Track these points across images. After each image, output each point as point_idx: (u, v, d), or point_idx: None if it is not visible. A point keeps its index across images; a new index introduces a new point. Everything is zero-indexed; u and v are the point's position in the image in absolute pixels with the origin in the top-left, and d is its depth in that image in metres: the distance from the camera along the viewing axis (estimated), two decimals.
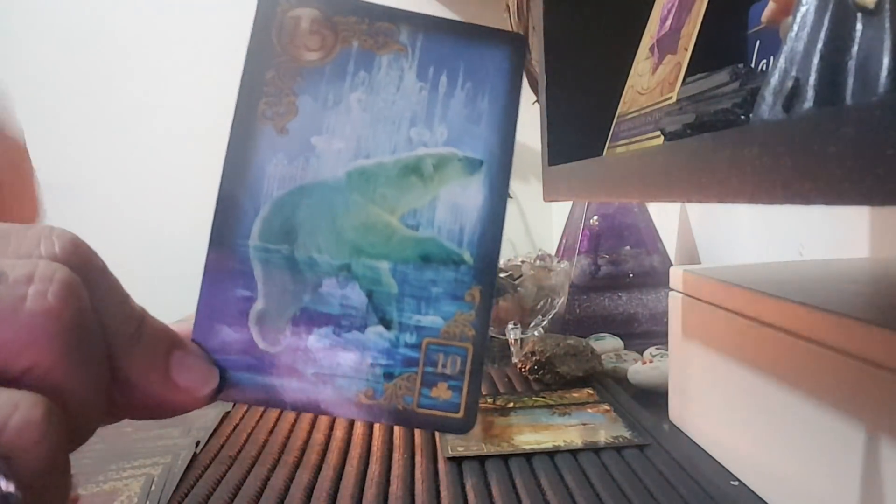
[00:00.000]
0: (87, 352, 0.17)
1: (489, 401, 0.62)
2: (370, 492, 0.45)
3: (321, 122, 0.21)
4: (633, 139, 0.49)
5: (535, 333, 0.78)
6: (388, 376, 0.20)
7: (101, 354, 0.17)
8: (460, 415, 0.20)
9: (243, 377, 0.20)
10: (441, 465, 0.48)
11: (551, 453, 0.50)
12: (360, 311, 0.21)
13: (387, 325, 0.21)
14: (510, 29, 1.04)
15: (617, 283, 0.89)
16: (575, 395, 0.63)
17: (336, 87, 0.21)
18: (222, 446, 0.54)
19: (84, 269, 0.17)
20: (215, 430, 0.58)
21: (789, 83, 0.22)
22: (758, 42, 0.42)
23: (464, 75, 0.21)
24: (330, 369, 0.20)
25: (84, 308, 0.17)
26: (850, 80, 0.20)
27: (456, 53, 0.21)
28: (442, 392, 0.20)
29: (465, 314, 0.21)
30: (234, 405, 0.62)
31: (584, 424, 0.55)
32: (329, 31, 0.21)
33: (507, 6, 1.03)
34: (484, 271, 0.21)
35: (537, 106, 0.66)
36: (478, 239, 0.21)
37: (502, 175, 0.21)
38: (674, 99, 0.42)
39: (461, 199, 0.21)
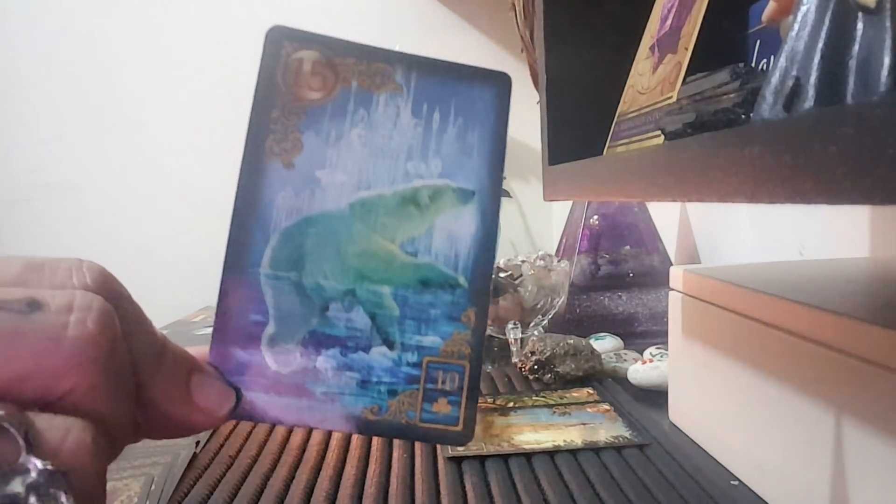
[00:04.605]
0: (119, 375, 0.18)
1: (489, 400, 0.62)
2: (370, 491, 0.45)
3: (324, 156, 0.22)
4: (634, 139, 0.49)
5: (535, 333, 0.78)
6: (392, 393, 0.22)
7: (130, 378, 0.19)
8: (459, 428, 0.22)
9: (257, 397, 0.22)
10: (441, 464, 0.48)
11: (551, 453, 0.50)
12: (364, 333, 0.22)
13: (390, 345, 0.22)
14: (516, 29, 1.04)
15: (617, 283, 0.89)
16: (575, 394, 0.63)
17: (337, 123, 0.22)
18: (222, 446, 0.54)
19: (113, 299, 0.18)
20: (215, 431, 0.58)
21: (790, 82, 0.22)
22: (758, 41, 0.42)
23: (455, 112, 0.22)
24: (337, 388, 0.22)
25: (118, 335, 0.18)
26: (851, 80, 0.20)
27: (447, 91, 0.22)
28: (442, 407, 0.22)
29: (461, 334, 0.22)
30: None
31: (584, 424, 0.55)
32: (330, 72, 0.22)
33: (513, 5, 1.03)
34: (478, 294, 0.22)
35: (538, 106, 0.66)
36: (472, 264, 0.22)
37: (493, 203, 0.22)
38: (674, 98, 0.42)
39: (455, 227, 0.22)
